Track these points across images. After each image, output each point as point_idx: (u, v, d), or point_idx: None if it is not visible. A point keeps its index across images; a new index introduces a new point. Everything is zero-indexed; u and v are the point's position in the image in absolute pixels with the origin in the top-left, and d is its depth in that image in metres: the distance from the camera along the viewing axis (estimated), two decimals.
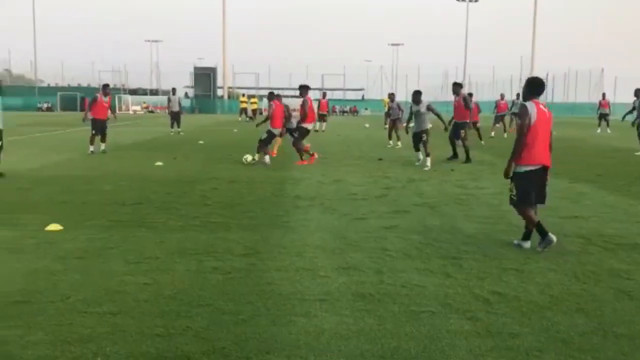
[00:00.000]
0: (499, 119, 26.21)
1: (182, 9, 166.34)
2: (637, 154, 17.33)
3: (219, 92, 69.78)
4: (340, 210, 8.46)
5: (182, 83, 71.30)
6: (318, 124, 29.53)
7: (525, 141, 6.14)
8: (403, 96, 62.99)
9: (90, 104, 16.76)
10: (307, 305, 4.54)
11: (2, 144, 11.45)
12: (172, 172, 12.58)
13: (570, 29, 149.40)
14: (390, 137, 20.52)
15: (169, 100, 26.89)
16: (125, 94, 69.00)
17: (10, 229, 6.99)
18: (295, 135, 14.44)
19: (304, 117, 14.19)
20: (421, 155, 14.14)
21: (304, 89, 14.29)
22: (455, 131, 15.32)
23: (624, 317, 4.39)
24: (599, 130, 30.43)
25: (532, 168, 6.21)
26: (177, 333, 3.98)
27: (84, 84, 73.61)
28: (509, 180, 6.41)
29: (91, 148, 16.32)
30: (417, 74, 79.01)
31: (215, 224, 7.37)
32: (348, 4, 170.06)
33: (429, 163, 13.60)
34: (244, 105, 44.66)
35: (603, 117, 30.81)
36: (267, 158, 14.10)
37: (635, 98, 19.49)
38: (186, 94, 69.07)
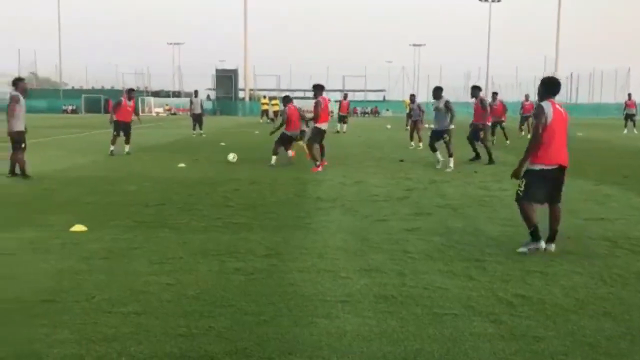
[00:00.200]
0: (525, 120, 25.93)
1: (204, 12, 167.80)
2: None
3: (241, 94, 70.17)
4: (362, 211, 8.44)
5: (204, 85, 71.88)
6: (339, 125, 29.56)
7: (541, 141, 6.07)
8: (424, 97, 62.67)
9: (114, 107, 17.09)
10: (329, 306, 4.54)
11: (25, 145, 11.64)
12: (195, 173, 12.68)
13: (595, 28, 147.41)
14: (411, 139, 20.45)
15: (191, 102, 27.13)
16: (148, 96, 69.73)
17: (36, 229, 7.10)
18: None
19: (315, 118, 13.67)
20: (440, 156, 13.93)
21: (317, 89, 13.87)
22: (474, 133, 15.34)
23: None
24: (625, 131, 29.95)
25: (548, 167, 6.12)
26: (200, 333, 4.01)
27: (108, 86, 74.60)
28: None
29: (112, 148, 16.62)
30: (438, 75, 78.58)
31: (237, 225, 7.41)
32: (369, 5, 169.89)
33: (452, 164, 13.46)
34: (265, 107, 44.84)
35: (629, 117, 30.32)
36: (289, 152, 14.89)
37: None
38: (208, 96, 69.54)
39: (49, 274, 5.32)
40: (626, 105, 31.22)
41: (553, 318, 4.34)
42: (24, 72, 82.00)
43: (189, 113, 28.36)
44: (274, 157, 14.05)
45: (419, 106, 20.94)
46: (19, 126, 11.46)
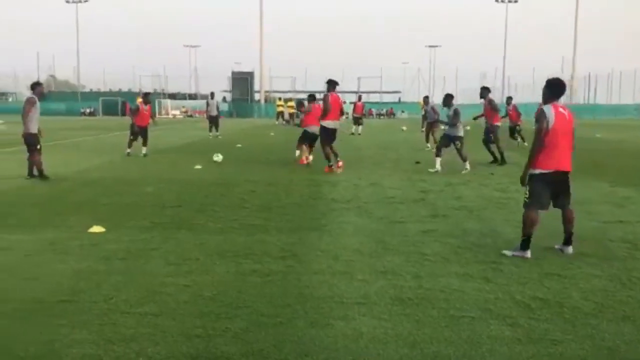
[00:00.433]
0: None
1: (220, 15, 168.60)
2: None
3: (256, 96, 70.44)
4: (377, 213, 8.43)
5: (220, 87, 72.31)
6: (354, 127, 29.55)
7: (543, 146, 5.99)
8: (440, 99, 62.21)
9: (133, 113, 17.43)
10: (345, 308, 4.54)
11: (40, 146, 11.79)
12: (211, 175, 12.74)
13: (613, 29, 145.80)
14: (427, 140, 20.40)
15: (208, 104, 27.29)
16: (165, 98, 70.26)
17: (55, 230, 7.19)
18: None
19: (324, 114, 12.94)
20: (439, 165, 13.37)
21: (329, 84, 13.21)
22: (487, 135, 15.43)
23: None
24: None
25: (546, 171, 6.04)
26: (216, 334, 4.03)
27: (125, 89, 75.30)
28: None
29: (128, 150, 16.92)
30: (454, 76, 78.23)
31: (253, 227, 7.43)
32: (385, 7, 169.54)
33: (467, 166, 13.34)
34: (280, 109, 44.97)
35: None
36: (309, 157, 14.83)
37: None
38: (224, 98, 69.92)
39: (68, 275, 5.38)
40: None
41: (571, 321, 4.30)
42: (42, 74, 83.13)
43: (205, 115, 28.52)
44: (297, 152, 14.81)
45: (432, 108, 20.88)
46: (33, 128, 11.62)
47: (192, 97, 75.87)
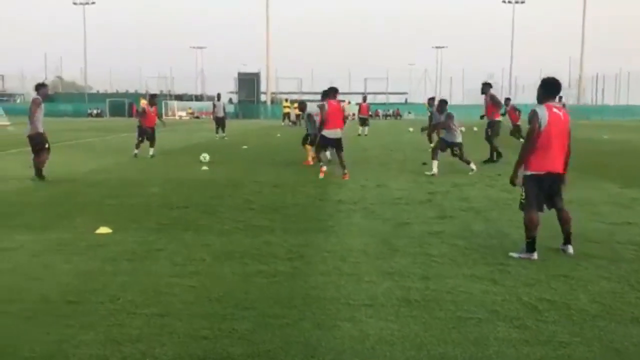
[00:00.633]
0: None
1: (226, 16, 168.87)
2: None
3: (262, 98, 70.54)
4: (384, 214, 8.41)
5: (226, 89, 72.47)
6: (360, 128, 29.55)
7: (533, 147, 5.95)
8: (448, 100, 61.76)
9: (140, 115, 17.63)
10: (352, 310, 4.53)
11: (49, 145, 11.84)
12: (217, 176, 12.76)
13: (621, 29, 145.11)
14: (430, 141, 20.42)
15: (214, 105, 27.36)
16: (171, 99, 70.45)
17: (62, 231, 7.21)
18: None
19: (321, 123, 12.56)
20: (436, 168, 13.03)
21: (328, 92, 12.70)
22: (487, 131, 15.71)
23: None
24: None
25: (538, 173, 6.00)
26: (223, 335, 4.03)
27: (132, 90, 75.56)
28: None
29: (135, 151, 17.00)
30: (461, 77, 78.10)
31: (259, 228, 7.44)
32: (391, 7, 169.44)
33: (473, 166, 13.30)
34: (286, 110, 45.02)
35: None
36: (327, 154, 14.80)
37: None
38: (230, 99, 70.07)
39: (75, 275, 5.40)
40: None
41: (579, 323, 4.27)
42: (50, 76, 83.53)
43: (211, 116, 28.60)
44: (327, 153, 14.94)
45: (436, 109, 20.86)
46: (39, 128, 11.67)
47: (199, 98, 76.07)
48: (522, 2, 74.13)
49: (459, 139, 13.46)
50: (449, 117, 13.41)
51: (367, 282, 5.23)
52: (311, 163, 14.55)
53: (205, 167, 14.12)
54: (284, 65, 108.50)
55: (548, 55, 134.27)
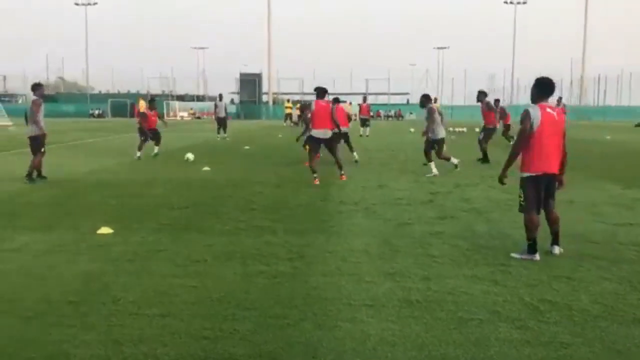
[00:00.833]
0: None
1: (228, 17, 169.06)
2: None
3: (264, 98, 70.56)
4: (385, 215, 8.41)
5: (228, 89, 72.48)
6: (361, 129, 29.56)
7: (525, 147, 5.94)
8: (448, 100, 62.13)
9: (141, 118, 17.69)
10: (353, 310, 4.53)
11: (44, 149, 11.85)
12: (219, 176, 12.77)
13: (623, 28, 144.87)
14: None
15: (216, 106, 27.37)
16: (173, 100, 70.49)
17: (64, 231, 7.22)
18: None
19: (307, 123, 12.29)
20: (434, 169, 13.05)
21: (316, 92, 12.30)
22: (482, 136, 16.11)
23: None
24: None
25: (535, 174, 6.00)
26: (224, 336, 4.03)
27: (133, 91, 75.59)
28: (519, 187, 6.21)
29: (138, 154, 16.89)
30: (463, 78, 78.08)
31: (261, 228, 7.44)
32: (393, 8, 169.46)
33: (455, 161, 13.24)
34: (288, 110, 45.05)
35: None
36: (355, 156, 15.83)
37: None
38: (232, 100, 70.10)
39: (76, 276, 5.41)
40: None
41: (581, 324, 4.27)
42: (52, 76, 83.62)
43: (213, 117, 28.64)
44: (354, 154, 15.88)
45: (437, 110, 21.00)
46: (42, 129, 11.68)
47: (200, 98, 76.09)
48: (524, 3, 74.12)
49: (442, 135, 13.31)
50: (429, 112, 13.22)
51: (368, 282, 5.23)
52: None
53: (206, 168, 14.13)
54: (285, 66, 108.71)
55: (550, 56, 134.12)
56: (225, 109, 27.13)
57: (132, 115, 57.99)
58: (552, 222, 6.18)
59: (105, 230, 7.18)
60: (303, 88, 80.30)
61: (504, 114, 21.77)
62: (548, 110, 5.99)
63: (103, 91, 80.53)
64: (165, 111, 59.36)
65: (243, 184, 11.51)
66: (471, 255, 6.16)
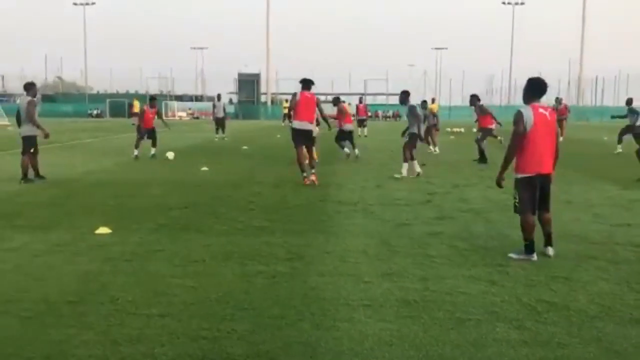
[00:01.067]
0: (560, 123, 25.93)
1: (227, 17, 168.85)
2: None
3: (262, 98, 70.53)
4: (384, 215, 8.42)
5: (227, 89, 72.30)
6: (359, 129, 29.57)
7: (518, 148, 5.95)
8: (446, 101, 62.22)
9: (140, 116, 17.83)
10: (351, 310, 4.54)
11: (34, 149, 11.81)
12: (217, 177, 12.77)
13: (621, 29, 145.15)
14: (427, 142, 20.81)
15: (214, 106, 27.36)
16: (172, 100, 70.42)
17: (62, 231, 7.22)
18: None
19: (289, 112, 11.86)
20: (418, 168, 12.72)
21: (302, 83, 11.94)
22: (479, 136, 16.29)
23: None
24: None
25: (529, 175, 6.00)
26: (222, 336, 4.04)
27: (132, 91, 75.44)
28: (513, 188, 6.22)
29: (135, 152, 16.90)
30: (461, 78, 78.13)
31: (259, 228, 7.44)
32: (391, 9, 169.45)
33: (404, 171, 12.65)
34: (287, 111, 45.00)
35: None
36: (346, 150, 16.83)
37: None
38: (230, 100, 70.06)
39: (75, 276, 5.41)
40: None
41: (578, 324, 4.28)
42: (50, 76, 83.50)
43: (211, 117, 28.63)
44: (345, 150, 16.88)
45: (431, 111, 21.71)
46: (35, 130, 11.66)
47: (199, 99, 75.97)
48: (522, 4, 74.15)
49: (414, 130, 12.87)
50: (410, 110, 12.93)
51: (366, 282, 5.24)
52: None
53: (205, 168, 14.13)
54: (284, 66, 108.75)
55: (548, 57, 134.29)
56: (224, 109, 27.08)
57: (130, 116, 57.94)
58: (545, 222, 6.19)
59: (103, 230, 7.18)
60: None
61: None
62: (540, 110, 6.01)
63: (101, 91, 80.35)
64: (163, 111, 59.28)
65: (241, 184, 11.51)
66: (469, 256, 6.18)
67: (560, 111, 26.11)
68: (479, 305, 4.68)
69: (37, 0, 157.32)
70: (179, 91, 78.91)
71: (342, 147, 17.06)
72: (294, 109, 11.49)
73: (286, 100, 49.58)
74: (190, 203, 9.32)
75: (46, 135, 11.73)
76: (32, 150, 11.68)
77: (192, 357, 3.73)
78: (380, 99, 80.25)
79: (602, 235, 7.16)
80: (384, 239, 6.93)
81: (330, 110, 15.51)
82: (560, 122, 25.87)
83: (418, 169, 12.79)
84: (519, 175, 6.06)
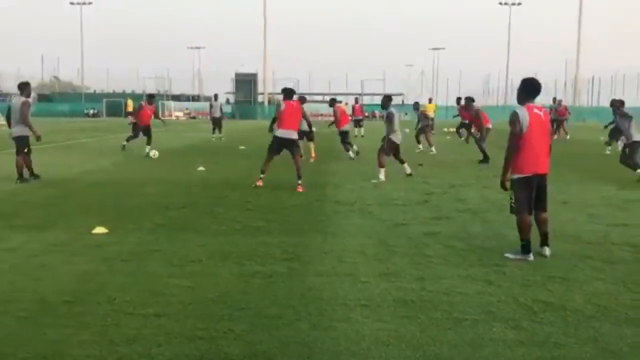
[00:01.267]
0: (560, 123, 26.03)
1: (224, 17, 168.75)
2: None
3: (260, 98, 70.47)
4: (381, 215, 8.43)
5: (224, 89, 72.14)
6: (356, 129, 29.59)
7: (516, 150, 5.96)
8: (443, 100, 62.21)
9: (136, 111, 18.09)
10: (348, 310, 4.54)
11: (28, 149, 11.78)
12: (214, 177, 12.76)
13: (617, 30, 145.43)
14: (418, 142, 20.94)
15: (211, 106, 27.30)
16: (168, 100, 70.31)
17: (59, 231, 7.21)
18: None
19: (273, 121, 11.68)
20: (381, 174, 12.41)
21: (284, 93, 11.86)
22: (476, 137, 16.54)
23: None
24: None
25: (526, 175, 6.02)
26: (219, 336, 4.04)
27: (129, 90, 75.28)
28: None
29: (124, 143, 17.74)
30: (458, 78, 78.19)
31: (256, 228, 7.44)
32: (388, 9, 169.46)
33: (382, 176, 12.32)
34: None
35: None
36: (350, 153, 17.12)
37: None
38: (227, 100, 69.98)
39: (72, 276, 5.40)
40: None
41: (574, 324, 4.29)
42: (47, 75, 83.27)
43: (208, 117, 28.60)
44: (350, 152, 17.30)
45: (422, 113, 22.23)
46: (27, 130, 11.63)
47: (195, 98, 75.88)
48: (519, 4, 74.27)
49: (392, 136, 12.61)
50: (388, 116, 12.66)
51: (363, 282, 5.24)
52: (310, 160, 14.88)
53: (201, 168, 14.12)
54: (281, 66, 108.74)
55: (544, 57, 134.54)
56: (221, 109, 27.05)
57: (126, 115, 57.84)
58: (541, 222, 6.20)
59: (100, 230, 7.17)
60: (299, 88, 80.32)
61: (466, 112, 23.34)
62: (535, 110, 6.04)
63: (98, 91, 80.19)
64: (160, 111, 59.19)
65: (239, 184, 11.50)
66: (466, 256, 6.19)
67: (560, 112, 26.18)
68: (475, 305, 4.69)
69: None
70: (176, 91, 78.81)
71: (347, 150, 17.40)
72: (279, 117, 11.30)
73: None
74: (187, 203, 9.31)
75: (38, 138, 11.70)
76: (25, 150, 11.65)
77: (189, 357, 3.73)
78: (378, 99, 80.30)
79: (598, 235, 7.18)
80: (382, 239, 6.94)
81: (326, 110, 16.01)
82: (560, 123, 25.97)
83: (382, 177, 12.31)
84: (516, 176, 6.07)
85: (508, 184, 6.18)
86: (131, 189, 10.86)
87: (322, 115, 46.87)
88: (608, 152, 19.30)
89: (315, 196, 10.13)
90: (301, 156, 11.54)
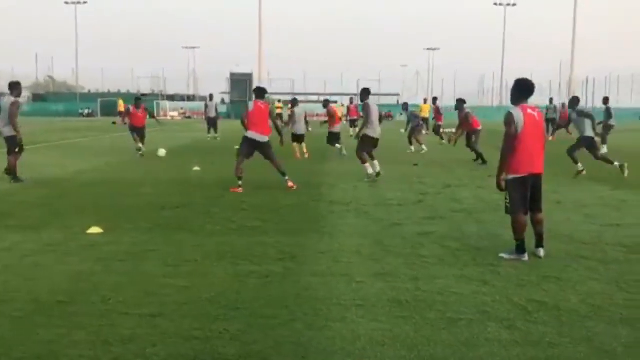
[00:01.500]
0: (562, 125, 26.06)
1: (219, 17, 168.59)
2: None
3: None
4: (376, 215, 8.44)
5: (219, 89, 72.11)
6: (351, 129, 29.60)
7: (511, 150, 5.97)
8: (441, 101, 61.94)
9: (126, 114, 18.80)
10: (343, 310, 4.55)
11: (19, 149, 11.74)
12: (210, 176, 12.75)
13: (612, 31, 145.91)
14: (410, 143, 20.97)
15: (206, 106, 27.30)
16: (163, 100, 70.19)
17: (54, 231, 7.19)
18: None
19: (244, 122, 11.04)
20: (371, 170, 12.22)
21: (255, 92, 11.68)
22: (467, 138, 16.47)
23: None
24: None
25: (521, 176, 6.03)
26: (214, 336, 4.03)
27: (124, 90, 75.10)
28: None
29: (139, 145, 17.60)
30: (453, 79, 78.34)
31: (252, 228, 7.44)
32: (384, 9, 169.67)
33: (369, 170, 12.20)
34: (279, 111, 44.95)
35: None
36: (342, 149, 17.54)
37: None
38: (223, 100, 69.90)
39: (66, 276, 5.38)
40: None
41: (569, 324, 4.31)
42: (41, 75, 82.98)
43: (204, 117, 28.58)
44: (337, 146, 17.89)
45: (412, 113, 22.74)
46: (18, 132, 11.56)
47: (191, 98, 75.78)
48: (514, 5, 74.46)
49: (369, 132, 12.21)
50: (364, 109, 12.29)
51: (358, 282, 5.25)
52: (298, 157, 16.46)
53: (197, 168, 14.09)
54: (276, 66, 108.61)
55: (539, 58, 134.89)
56: (216, 109, 27.04)
57: (119, 115, 57.77)
58: (536, 223, 6.21)
59: (95, 230, 7.15)
60: (294, 88, 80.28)
61: (439, 114, 26.62)
62: (529, 111, 6.05)
63: (93, 90, 79.96)
64: (155, 111, 59.07)
65: (234, 184, 11.47)
66: (461, 256, 6.20)
67: (563, 115, 26.29)
68: (470, 305, 4.70)
69: None
70: (171, 91, 78.73)
71: (334, 145, 18.14)
72: (248, 119, 10.82)
73: (279, 101, 49.71)
74: (182, 203, 9.30)
75: (19, 140, 11.62)
76: (17, 150, 11.61)
77: (184, 358, 3.72)
78: (373, 99, 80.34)
79: (592, 235, 7.21)
80: (377, 239, 6.95)
81: (321, 110, 16.28)
82: (564, 125, 25.99)
83: (370, 170, 12.23)
84: (511, 176, 6.08)
85: (503, 184, 6.19)
86: (126, 188, 10.83)
87: (317, 115, 46.90)
88: (604, 151, 19.41)
89: (310, 196, 10.13)
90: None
